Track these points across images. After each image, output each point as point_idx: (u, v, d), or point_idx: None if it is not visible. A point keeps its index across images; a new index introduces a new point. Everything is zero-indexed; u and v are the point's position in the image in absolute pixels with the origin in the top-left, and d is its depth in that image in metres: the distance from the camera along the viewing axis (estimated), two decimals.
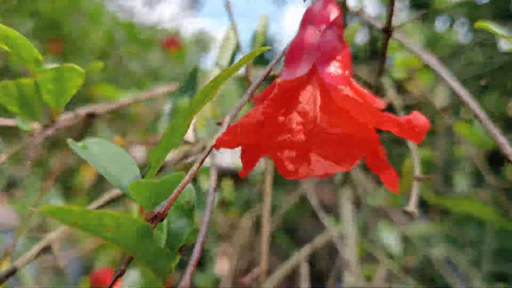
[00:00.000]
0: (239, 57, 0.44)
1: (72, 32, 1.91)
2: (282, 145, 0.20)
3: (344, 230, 0.49)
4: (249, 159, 0.23)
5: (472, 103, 0.23)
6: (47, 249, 0.26)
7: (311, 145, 0.19)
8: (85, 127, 0.35)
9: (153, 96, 0.36)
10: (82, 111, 0.32)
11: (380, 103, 0.20)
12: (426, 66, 0.83)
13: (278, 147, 0.20)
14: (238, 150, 0.26)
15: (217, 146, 0.21)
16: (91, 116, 0.33)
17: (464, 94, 0.22)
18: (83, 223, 0.15)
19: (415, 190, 0.23)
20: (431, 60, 0.27)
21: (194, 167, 0.21)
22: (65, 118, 0.27)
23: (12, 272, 0.27)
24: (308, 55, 0.20)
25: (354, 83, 0.20)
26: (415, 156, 0.30)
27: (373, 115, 0.19)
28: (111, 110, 0.36)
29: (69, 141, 0.22)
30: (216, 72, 0.37)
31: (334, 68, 0.19)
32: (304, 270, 0.47)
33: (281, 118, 0.19)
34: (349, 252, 0.48)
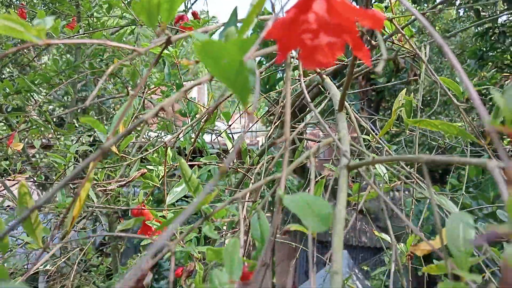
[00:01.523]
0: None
1: (92, 9, 2.05)
2: (303, 31, 0.36)
3: (340, 135, 0.65)
4: (283, 48, 0.39)
5: (451, 56, 0.35)
6: (162, 109, 0.42)
7: (320, 30, 0.35)
8: (165, 47, 0.51)
9: (207, 29, 0.52)
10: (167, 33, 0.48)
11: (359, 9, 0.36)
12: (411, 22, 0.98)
13: (301, 33, 0.36)
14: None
15: (266, 36, 0.37)
16: (168, 40, 0.49)
17: (446, 47, 0.34)
18: (212, 53, 0.31)
19: (383, 63, 0.38)
20: (416, 13, 0.40)
21: (255, 44, 0.37)
22: (165, 32, 0.43)
23: (141, 122, 0.43)
24: None
25: None
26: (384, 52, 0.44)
27: (354, 13, 0.35)
28: (180, 38, 0.52)
29: (188, 37, 0.37)
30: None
31: None
32: (312, 162, 0.63)
33: (303, 16, 0.35)
34: (345, 146, 0.65)
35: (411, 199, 0.94)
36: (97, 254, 2.93)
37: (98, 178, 1.22)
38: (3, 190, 1.85)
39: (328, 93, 1.11)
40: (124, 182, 0.89)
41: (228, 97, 0.96)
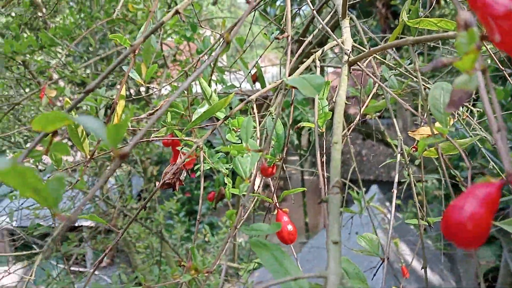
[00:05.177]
0: None
1: None
2: None
3: (344, 37, 0.71)
4: None
5: None
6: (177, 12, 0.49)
7: None
8: None
9: None
10: None
11: None
12: None
13: None
14: None
15: None
16: None
17: None
18: None
19: None
20: None
21: None
22: None
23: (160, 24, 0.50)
24: None
25: None
26: None
27: None
28: None
29: None
30: None
31: None
32: (317, 63, 0.69)
33: None
34: (347, 46, 0.70)
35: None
36: (135, 200, 3.14)
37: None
38: None
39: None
40: (153, 111, 0.96)
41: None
